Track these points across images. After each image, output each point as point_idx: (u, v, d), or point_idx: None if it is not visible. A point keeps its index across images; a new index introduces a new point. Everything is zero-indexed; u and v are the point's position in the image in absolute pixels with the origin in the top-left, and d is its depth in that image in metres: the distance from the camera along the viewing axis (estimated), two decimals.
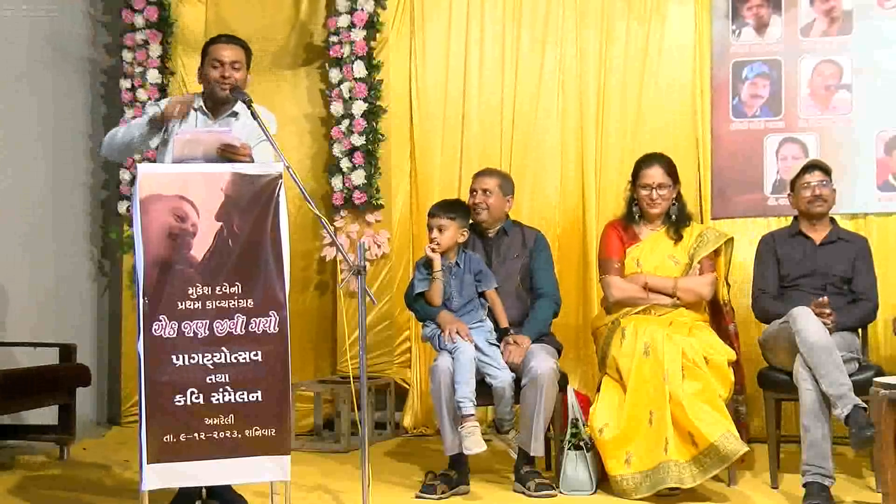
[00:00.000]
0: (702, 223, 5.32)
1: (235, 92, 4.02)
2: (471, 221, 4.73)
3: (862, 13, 5.61)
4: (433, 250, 4.52)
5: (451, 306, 4.55)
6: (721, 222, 5.63)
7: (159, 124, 3.99)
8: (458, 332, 4.42)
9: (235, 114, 4.11)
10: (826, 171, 4.72)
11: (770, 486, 4.49)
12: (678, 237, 4.71)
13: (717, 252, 4.72)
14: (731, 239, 4.82)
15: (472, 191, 4.78)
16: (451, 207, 4.64)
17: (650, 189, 4.70)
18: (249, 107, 3.95)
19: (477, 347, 4.42)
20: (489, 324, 4.58)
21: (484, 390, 4.40)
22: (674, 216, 4.74)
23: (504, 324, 4.59)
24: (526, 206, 5.81)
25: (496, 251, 4.75)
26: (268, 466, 3.68)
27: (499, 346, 4.51)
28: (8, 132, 5.82)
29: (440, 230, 4.54)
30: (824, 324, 4.25)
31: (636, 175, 4.76)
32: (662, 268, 4.68)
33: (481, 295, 4.62)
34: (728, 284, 4.79)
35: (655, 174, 4.70)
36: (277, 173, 3.74)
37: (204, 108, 4.12)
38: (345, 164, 6.03)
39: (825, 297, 4.40)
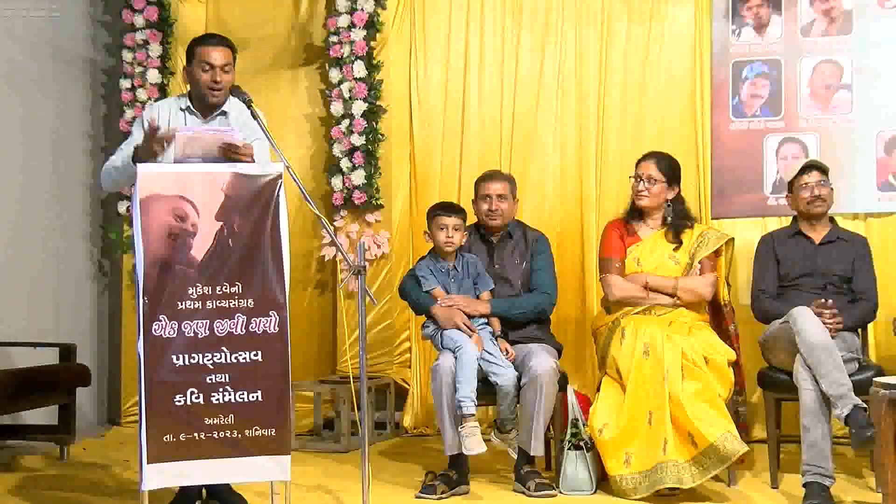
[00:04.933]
0: (702, 223, 5.32)
1: (236, 92, 3.98)
2: (476, 224, 4.75)
3: (862, 13, 5.61)
4: (448, 248, 4.55)
5: None
6: (721, 222, 5.63)
7: (142, 160, 3.80)
8: (463, 324, 4.44)
9: (224, 113, 4.06)
10: (824, 170, 4.73)
11: (770, 486, 4.49)
12: (678, 242, 4.70)
13: (717, 252, 4.72)
14: (732, 239, 4.82)
15: (486, 196, 4.71)
16: (458, 209, 4.65)
17: (640, 180, 4.71)
18: (250, 107, 3.93)
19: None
20: (490, 326, 4.58)
21: (485, 390, 4.41)
22: (668, 218, 4.74)
23: (496, 328, 4.59)
24: (526, 205, 5.80)
25: (498, 255, 4.74)
26: (268, 466, 3.68)
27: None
28: (7, 132, 5.82)
29: (455, 229, 4.56)
30: (828, 326, 4.26)
31: (635, 168, 4.79)
32: (663, 267, 4.68)
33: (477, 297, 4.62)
34: (728, 285, 4.79)
35: (647, 166, 4.73)
36: (277, 173, 3.74)
37: (192, 108, 4.06)
38: (345, 163, 6.02)
39: (830, 300, 4.40)
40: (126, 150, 3.97)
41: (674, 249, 4.70)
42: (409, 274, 4.74)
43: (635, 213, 4.79)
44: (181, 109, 4.06)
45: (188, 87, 4.12)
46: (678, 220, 4.74)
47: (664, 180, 4.72)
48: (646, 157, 4.79)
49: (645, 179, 4.70)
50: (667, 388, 4.25)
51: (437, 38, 6.13)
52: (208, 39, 4.06)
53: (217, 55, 3.99)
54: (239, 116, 4.01)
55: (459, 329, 4.44)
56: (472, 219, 4.80)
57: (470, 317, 4.52)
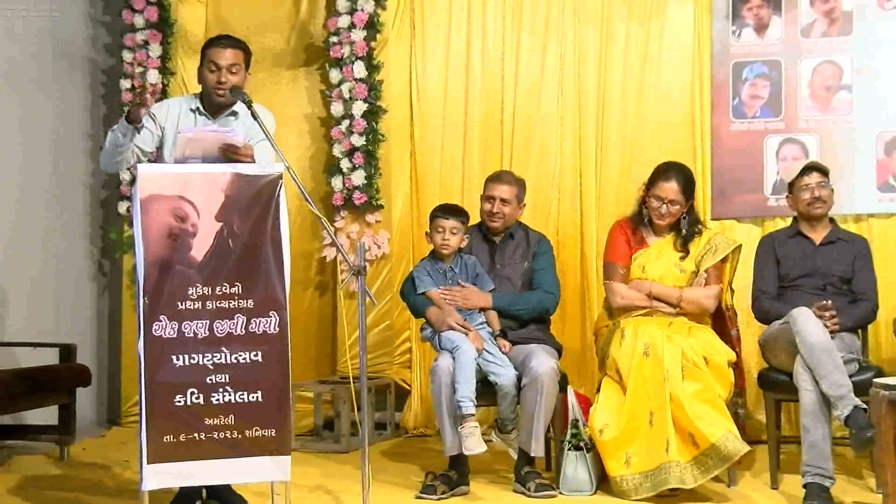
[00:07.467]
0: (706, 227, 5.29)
1: (235, 92, 3.98)
2: (479, 224, 4.75)
3: (862, 14, 5.61)
4: (444, 251, 4.54)
5: None
6: (721, 223, 5.64)
7: (133, 127, 3.85)
8: (459, 325, 4.44)
9: (235, 113, 4.07)
10: (824, 172, 4.72)
11: (770, 487, 4.49)
12: (685, 252, 4.66)
13: (723, 259, 4.67)
14: (740, 246, 4.77)
15: (489, 198, 4.70)
16: (458, 211, 4.64)
17: (662, 202, 4.63)
18: (249, 107, 3.93)
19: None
20: (489, 325, 4.58)
21: (485, 390, 4.41)
22: (683, 230, 4.68)
23: (496, 328, 4.59)
24: (526, 206, 5.80)
25: (500, 254, 4.74)
26: (268, 466, 3.68)
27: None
28: (7, 132, 5.82)
29: (453, 232, 4.55)
30: (827, 327, 4.26)
31: (652, 182, 4.68)
32: (668, 276, 4.63)
33: None
34: (732, 290, 4.75)
35: (671, 190, 4.62)
36: (278, 174, 3.74)
37: (202, 108, 4.07)
38: (345, 164, 6.02)
39: (829, 301, 4.40)
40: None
41: (680, 258, 4.67)
42: (408, 277, 4.74)
43: (643, 217, 4.74)
44: (191, 110, 4.07)
45: (201, 88, 4.13)
46: (691, 229, 4.68)
47: (684, 201, 4.65)
48: (667, 176, 4.63)
49: (668, 202, 4.63)
50: (667, 388, 4.25)
51: (437, 39, 6.13)
52: (217, 41, 4.09)
53: (224, 56, 4.00)
54: (248, 117, 4.01)
55: (453, 329, 4.44)
56: (477, 217, 4.80)
57: (468, 311, 4.53)
